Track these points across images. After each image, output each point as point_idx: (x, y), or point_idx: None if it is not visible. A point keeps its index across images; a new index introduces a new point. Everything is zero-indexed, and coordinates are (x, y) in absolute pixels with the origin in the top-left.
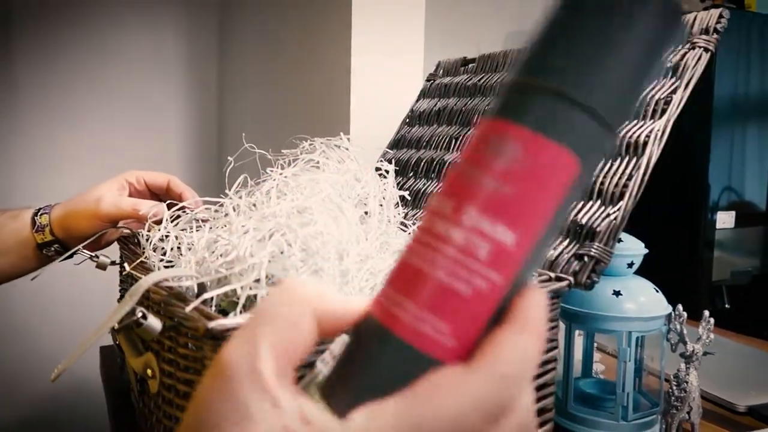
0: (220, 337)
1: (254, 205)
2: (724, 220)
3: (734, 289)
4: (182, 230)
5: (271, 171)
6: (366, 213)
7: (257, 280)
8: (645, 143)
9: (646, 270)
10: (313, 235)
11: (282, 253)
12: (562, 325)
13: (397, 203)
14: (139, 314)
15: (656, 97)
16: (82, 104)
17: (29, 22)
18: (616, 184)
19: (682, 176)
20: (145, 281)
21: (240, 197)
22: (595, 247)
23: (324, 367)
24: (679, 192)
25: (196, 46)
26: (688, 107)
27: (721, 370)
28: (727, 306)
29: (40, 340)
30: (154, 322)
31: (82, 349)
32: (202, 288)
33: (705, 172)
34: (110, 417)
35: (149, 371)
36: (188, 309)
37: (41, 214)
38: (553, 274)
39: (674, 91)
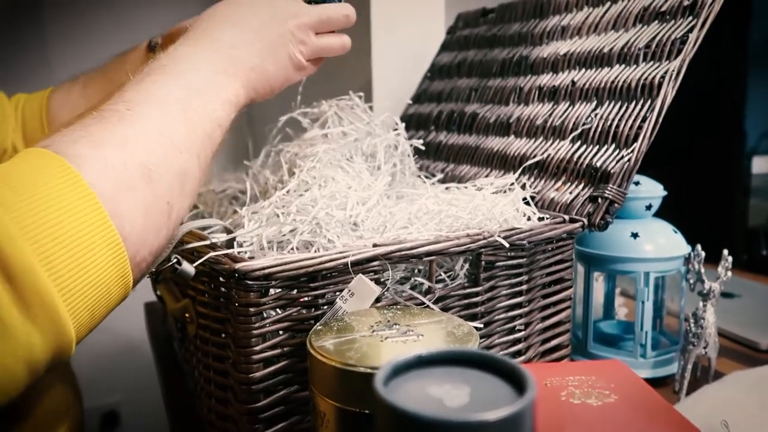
0: (247, 278)
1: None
2: (761, 164)
3: None
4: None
5: (283, 145)
6: (378, 167)
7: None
8: (660, 84)
9: (680, 217)
10: (320, 193)
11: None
12: (581, 269)
13: (409, 154)
14: (174, 260)
15: (672, 36)
16: None
17: (62, 8)
18: (631, 127)
19: (717, 121)
20: (180, 230)
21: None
22: (608, 188)
23: (343, 304)
24: (714, 137)
25: None
26: (722, 49)
27: (747, 312)
28: (764, 252)
29: None
30: (188, 268)
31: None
32: (229, 232)
33: (741, 117)
34: (156, 364)
35: (187, 315)
36: (217, 253)
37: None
38: (567, 216)
39: (690, 30)
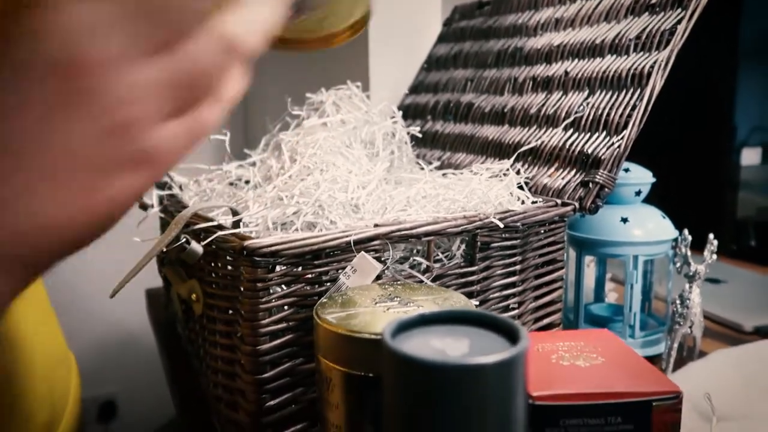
0: (254, 254)
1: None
2: (750, 156)
3: (762, 225)
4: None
5: (284, 135)
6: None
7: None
8: (649, 74)
9: (671, 208)
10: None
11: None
12: (572, 253)
13: (406, 141)
14: (183, 239)
15: (661, 28)
16: None
17: None
18: (621, 114)
19: (707, 113)
20: (187, 211)
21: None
22: (599, 174)
23: (346, 280)
24: (705, 130)
25: None
26: (713, 43)
27: (734, 296)
28: (753, 243)
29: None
30: (197, 247)
31: (138, 270)
32: (236, 215)
33: (731, 110)
34: (159, 347)
35: (194, 295)
36: (225, 232)
37: None
38: (559, 201)
39: (679, 22)
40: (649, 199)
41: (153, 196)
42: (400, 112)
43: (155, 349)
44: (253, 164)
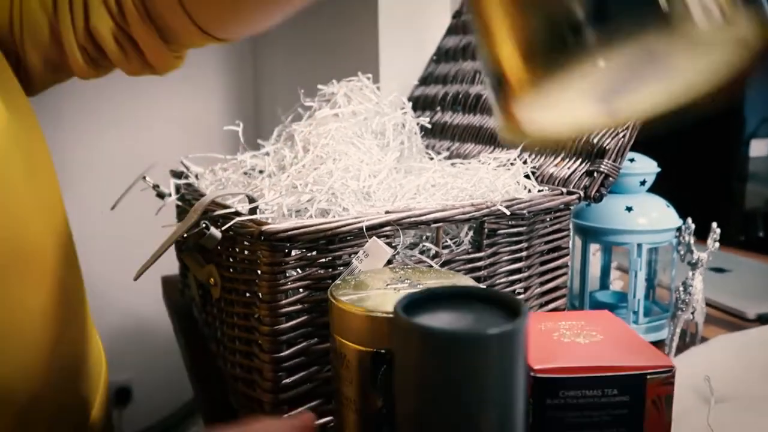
0: (272, 239)
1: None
2: (759, 148)
3: None
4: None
5: (296, 125)
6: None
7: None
8: None
9: (679, 198)
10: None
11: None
12: (578, 242)
13: (416, 132)
14: (203, 225)
15: None
16: None
17: None
18: None
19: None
20: (206, 198)
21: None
22: (604, 163)
23: (359, 264)
24: (715, 123)
25: None
26: None
27: (738, 285)
28: (761, 234)
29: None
30: (215, 232)
31: (159, 254)
32: (252, 202)
33: (740, 102)
34: (176, 332)
35: (212, 280)
36: (243, 218)
37: None
38: (564, 189)
39: None
40: (659, 191)
41: (171, 185)
42: (410, 104)
43: (170, 335)
44: (267, 154)
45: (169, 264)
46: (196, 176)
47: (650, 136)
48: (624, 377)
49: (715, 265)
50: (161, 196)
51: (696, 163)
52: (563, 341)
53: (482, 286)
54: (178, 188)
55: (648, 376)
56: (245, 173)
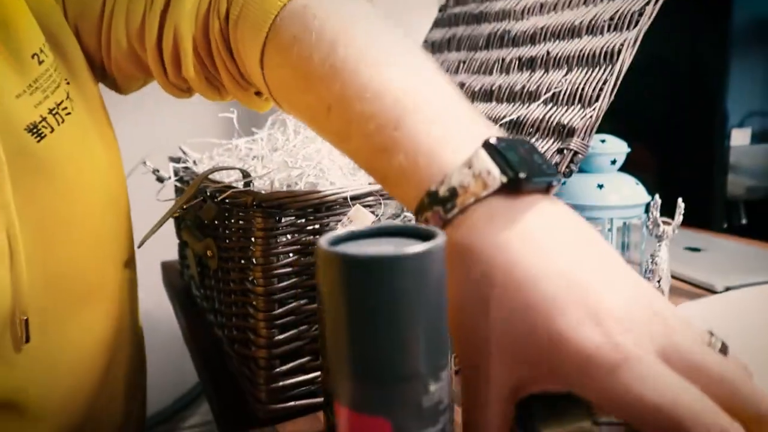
0: (264, 206)
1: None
2: (739, 137)
3: (751, 204)
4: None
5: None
6: None
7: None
8: (619, 51)
9: (662, 187)
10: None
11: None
12: None
13: None
14: (200, 198)
15: (631, 9)
16: None
17: None
18: (594, 88)
19: (701, 99)
20: (205, 172)
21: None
22: (573, 141)
23: (343, 228)
24: (697, 115)
25: None
26: (705, 28)
27: (710, 262)
28: (744, 222)
29: None
30: (212, 204)
31: (162, 222)
32: (246, 175)
33: (722, 93)
34: (177, 311)
35: (209, 252)
36: (238, 190)
37: None
38: None
39: (647, 4)
40: (647, 182)
41: (169, 169)
42: None
43: (170, 318)
44: (261, 139)
45: (167, 250)
46: (194, 162)
47: (641, 130)
48: None
49: (691, 245)
50: (161, 180)
51: (681, 155)
52: None
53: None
54: (176, 171)
55: None
56: (241, 159)
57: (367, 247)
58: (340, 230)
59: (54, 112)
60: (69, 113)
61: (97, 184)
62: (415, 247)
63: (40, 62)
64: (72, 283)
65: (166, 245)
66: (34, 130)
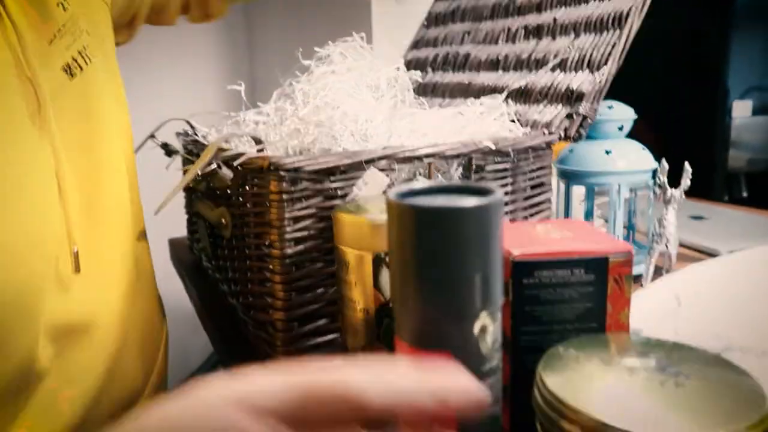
0: (280, 169)
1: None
2: (740, 109)
3: (752, 176)
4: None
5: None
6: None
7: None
8: (627, 15)
9: (668, 160)
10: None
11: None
12: (562, 186)
13: (409, 88)
14: (215, 165)
15: None
16: None
17: None
18: (602, 53)
19: (700, 68)
20: (219, 139)
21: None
22: (582, 105)
23: (359, 191)
24: (700, 90)
25: None
26: (707, 2)
27: (714, 229)
28: (744, 194)
29: None
30: (226, 171)
31: (177, 189)
32: (258, 142)
33: (724, 66)
34: (187, 286)
35: (223, 220)
36: (252, 155)
37: None
38: (546, 131)
39: None
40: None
41: (178, 143)
42: (403, 60)
43: (180, 294)
44: (268, 114)
45: (175, 227)
46: (204, 137)
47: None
48: (590, 259)
49: (694, 213)
50: (169, 153)
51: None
52: (539, 236)
53: None
54: (185, 145)
55: (610, 258)
56: (254, 122)
57: (432, 201)
58: (405, 186)
59: (82, 53)
60: (91, 60)
61: (122, 131)
62: (477, 201)
63: (65, 9)
64: (109, 227)
65: (174, 219)
66: (68, 70)
